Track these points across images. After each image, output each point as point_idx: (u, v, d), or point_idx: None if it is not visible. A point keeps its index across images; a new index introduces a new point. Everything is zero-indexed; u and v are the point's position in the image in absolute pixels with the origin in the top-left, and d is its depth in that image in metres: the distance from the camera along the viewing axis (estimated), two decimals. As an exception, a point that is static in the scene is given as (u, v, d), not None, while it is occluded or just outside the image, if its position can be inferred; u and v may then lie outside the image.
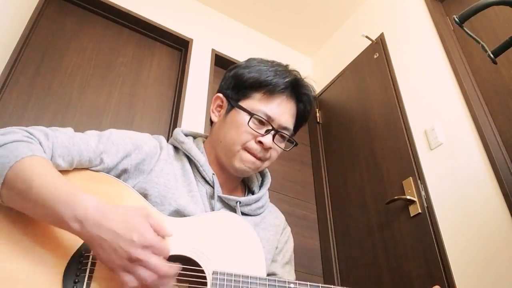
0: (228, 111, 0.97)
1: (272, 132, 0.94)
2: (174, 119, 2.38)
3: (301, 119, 1.02)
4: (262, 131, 0.93)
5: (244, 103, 0.95)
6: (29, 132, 0.76)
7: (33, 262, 0.67)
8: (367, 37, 2.68)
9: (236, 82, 0.98)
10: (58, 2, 2.36)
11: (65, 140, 0.79)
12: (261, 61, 0.99)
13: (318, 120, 2.99)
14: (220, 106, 1.01)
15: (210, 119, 1.05)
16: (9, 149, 0.70)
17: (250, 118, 0.92)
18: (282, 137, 0.98)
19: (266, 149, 0.94)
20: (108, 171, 0.84)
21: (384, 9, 2.73)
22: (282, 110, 0.95)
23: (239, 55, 2.92)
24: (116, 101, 2.29)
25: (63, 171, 0.79)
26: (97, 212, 0.66)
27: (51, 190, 0.67)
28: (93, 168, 0.83)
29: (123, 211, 0.68)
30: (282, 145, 0.99)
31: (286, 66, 1.01)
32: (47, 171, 0.71)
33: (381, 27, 2.68)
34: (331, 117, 2.88)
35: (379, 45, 2.61)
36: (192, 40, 2.73)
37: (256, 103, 0.94)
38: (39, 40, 2.17)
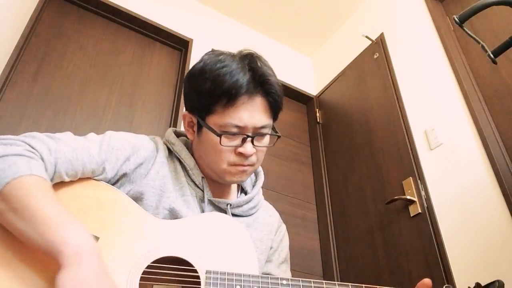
0: (199, 130, 0.92)
1: (249, 139, 0.87)
2: (174, 119, 2.38)
3: (275, 108, 0.92)
4: (238, 141, 0.87)
5: (210, 120, 0.88)
6: (31, 146, 0.74)
7: (23, 281, 0.66)
8: (367, 37, 2.68)
9: (196, 98, 0.90)
10: (58, 2, 2.36)
11: (68, 154, 0.78)
12: (214, 60, 0.89)
13: (318, 120, 2.99)
14: (191, 123, 0.95)
15: None
16: (7, 163, 0.68)
17: (220, 138, 0.86)
18: (262, 135, 0.91)
19: (248, 156, 0.89)
20: (109, 177, 0.84)
21: (384, 9, 2.73)
22: (251, 112, 0.86)
23: (239, 55, 2.92)
24: (116, 101, 2.29)
25: None
26: (93, 245, 0.66)
27: (48, 213, 0.67)
28: (96, 178, 0.83)
29: (105, 268, 0.66)
30: (266, 141, 0.92)
31: (241, 56, 0.90)
32: (44, 194, 0.69)
33: (381, 27, 2.68)
34: (331, 117, 2.88)
35: (379, 45, 2.61)
36: (192, 40, 2.73)
37: (221, 117, 0.86)
38: (39, 40, 2.17)
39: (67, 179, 0.78)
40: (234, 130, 0.86)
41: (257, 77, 0.87)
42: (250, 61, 0.89)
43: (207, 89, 0.87)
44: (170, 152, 0.97)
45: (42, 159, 0.74)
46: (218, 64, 0.88)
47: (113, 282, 0.66)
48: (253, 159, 0.90)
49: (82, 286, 0.61)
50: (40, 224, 0.65)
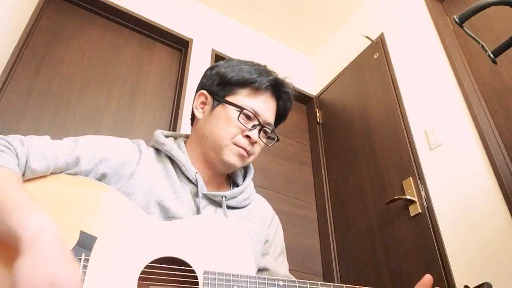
0: (214, 107, 0.99)
1: (258, 127, 0.98)
2: (174, 119, 2.38)
3: (280, 116, 1.07)
4: (249, 125, 0.97)
5: (231, 99, 0.98)
6: (5, 140, 0.77)
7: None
8: (367, 37, 2.68)
9: (220, 80, 1.00)
10: (58, 2, 2.36)
11: (40, 146, 0.80)
12: (241, 61, 1.03)
13: (318, 120, 2.99)
14: (204, 103, 1.03)
15: (192, 116, 1.07)
16: None
17: (240, 113, 0.95)
18: (265, 132, 1.02)
19: (253, 143, 0.97)
20: (86, 174, 0.84)
21: (384, 9, 2.73)
22: (266, 106, 1.00)
23: (239, 55, 2.92)
24: (116, 101, 2.29)
25: (47, 177, 0.79)
26: (53, 230, 0.65)
27: (11, 199, 0.67)
28: (70, 171, 0.83)
29: (67, 251, 0.65)
30: (265, 140, 1.04)
31: (265, 66, 1.05)
32: (8, 181, 0.70)
33: (381, 27, 2.68)
34: (331, 117, 2.88)
35: (379, 45, 2.61)
36: (192, 40, 2.73)
37: (243, 98, 0.98)
38: (39, 40, 2.17)
39: (38, 169, 0.78)
40: (250, 114, 0.96)
41: (280, 84, 1.03)
42: (276, 73, 1.04)
43: (237, 75, 0.99)
44: (158, 152, 0.99)
45: (15, 150, 0.76)
46: (249, 63, 1.03)
47: (73, 266, 0.63)
48: (253, 148, 0.99)
49: (39, 272, 0.59)
50: (5, 205, 0.66)
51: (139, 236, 0.78)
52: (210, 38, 2.86)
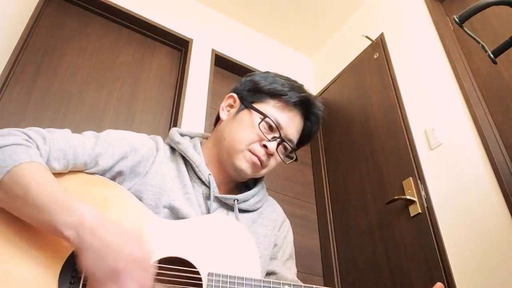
0: (239, 111, 0.99)
1: (278, 140, 0.95)
2: (174, 119, 2.38)
3: (305, 137, 1.04)
4: (269, 136, 0.95)
5: (257, 106, 0.97)
6: (27, 135, 0.76)
7: (29, 263, 0.67)
8: (367, 37, 2.68)
9: (252, 86, 1.00)
10: (58, 2, 2.36)
11: (62, 144, 0.80)
12: (278, 75, 1.03)
13: (318, 120, 2.98)
14: (231, 106, 1.02)
15: (217, 117, 1.06)
16: (7, 153, 0.70)
17: (262, 120, 0.94)
18: (285, 149, 1.00)
19: (269, 154, 0.95)
20: (103, 173, 0.84)
21: (384, 9, 2.73)
22: (291, 123, 0.97)
23: (239, 55, 2.92)
24: (116, 101, 2.29)
25: (58, 174, 0.79)
26: (92, 220, 0.67)
27: (48, 197, 0.68)
28: (88, 171, 0.83)
29: (118, 225, 0.70)
30: (283, 156, 1.01)
31: (302, 85, 1.04)
32: (45, 178, 0.71)
33: (381, 27, 2.68)
34: (331, 117, 2.88)
35: (379, 45, 2.61)
36: (192, 40, 2.73)
37: (269, 108, 0.96)
38: (39, 40, 2.17)
39: (57, 168, 0.78)
40: (273, 124, 0.95)
41: (310, 104, 1.01)
42: (309, 91, 1.03)
43: (269, 84, 0.98)
44: (173, 151, 0.98)
45: (38, 147, 0.76)
46: (285, 78, 1.02)
47: (136, 232, 0.70)
48: (268, 160, 0.96)
49: (114, 254, 0.64)
50: (44, 206, 0.67)
51: (145, 235, 0.78)
52: (210, 38, 2.86)
